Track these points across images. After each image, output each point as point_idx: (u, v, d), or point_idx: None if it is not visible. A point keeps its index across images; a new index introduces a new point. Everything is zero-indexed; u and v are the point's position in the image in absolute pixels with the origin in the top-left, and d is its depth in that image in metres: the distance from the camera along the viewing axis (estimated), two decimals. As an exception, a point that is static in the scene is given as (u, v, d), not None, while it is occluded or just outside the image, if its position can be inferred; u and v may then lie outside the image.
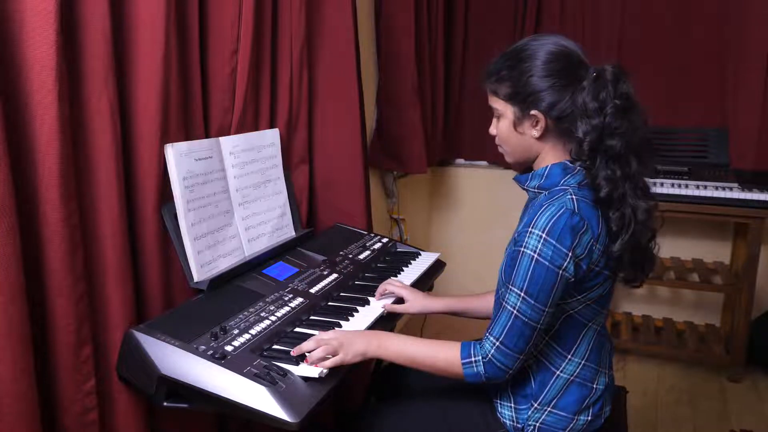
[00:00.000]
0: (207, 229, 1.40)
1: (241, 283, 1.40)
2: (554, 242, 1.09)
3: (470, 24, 3.10)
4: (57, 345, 1.04)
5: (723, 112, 2.76)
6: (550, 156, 1.22)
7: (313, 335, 1.21)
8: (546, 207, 1.13)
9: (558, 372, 1.23)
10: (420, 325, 2.33)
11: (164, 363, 1.09)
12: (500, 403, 1.28)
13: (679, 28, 2.79)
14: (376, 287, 1.49)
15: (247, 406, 1.04)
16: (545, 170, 1.21)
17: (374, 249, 1.77)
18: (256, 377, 1.06)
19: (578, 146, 1.15)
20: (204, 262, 1.38)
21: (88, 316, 1.08)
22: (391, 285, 1.48)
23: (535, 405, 1.24)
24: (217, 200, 1.45)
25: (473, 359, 1.16)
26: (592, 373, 1.24)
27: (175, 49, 1.26)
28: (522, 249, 1.12)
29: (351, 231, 1.85)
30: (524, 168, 1.29)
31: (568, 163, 1.19)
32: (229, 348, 1.13)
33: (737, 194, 2.52)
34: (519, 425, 1.25)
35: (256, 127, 1.62)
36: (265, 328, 1.23)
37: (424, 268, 1.70)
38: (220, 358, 1.09)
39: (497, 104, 1.24)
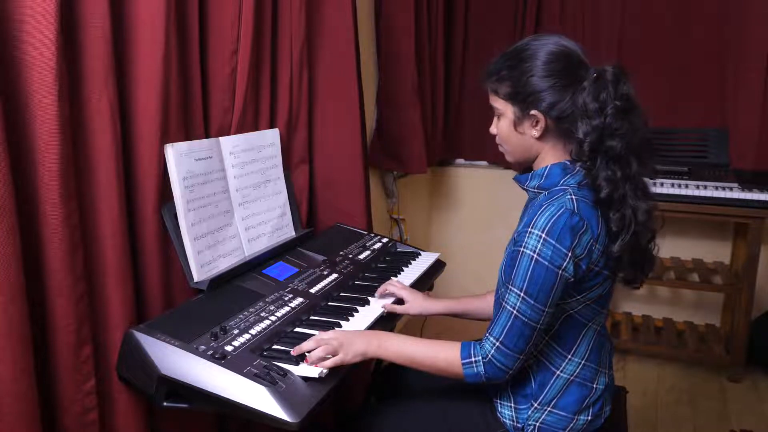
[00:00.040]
0: (207, 229, 1.40)
1: (241, 283, 1.40)
2: (554, 242, 1.09)
3: (470, 24, 3.10)
4: (57, 345, 1.04)
5: (723, 112, 2.75)
6: (550, 156, 1.22)
7: (313, 335, 1.21)
8: (546, 207, 1.13)
9: (558, 372, 1.23)
10: (420, 326, 2.33)
11: (164, 363, 1.09)
12: (500, 403, 1.28)
13: (679, 28, 2.79)
14: (376, 287, 1.49)
15: (247, 406, 1.04)
16: (545, 170, 1.21)
17: (374, 249, 1.77)
18: (256, 377, 1.06)
19: (578, 147, 1.15)
20: (204, 262, 1.38)
21: (88, 316, 1.08)
22: (391, 286, 1.48)
23: (535, 405, 1.24)
24: (217, 200, 1.45)
25: (473, 359, 1.16)
26: (592, 373, 1.24)
27: (175, 49, 1.26)
28: (522, 249, 1.12)
29: (351, 231, 1.85)
30: (524, 168, 1.29)
31: (568, 163, 1.20)
32: (229, 348, 1.13)
33: (737, 194, 2.52)
34: (519, 425, 1.25)
35: (256, 127, 1.62)
36: (265, 328, 1.23)
37: (424, 268, 1.70)
38: (220, 358, 1.09)
39: (498, 103, 1.24)
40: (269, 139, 1.64)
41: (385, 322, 1.42)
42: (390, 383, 1.55)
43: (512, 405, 1.26)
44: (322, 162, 1.84)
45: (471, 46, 3.12)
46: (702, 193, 2.54)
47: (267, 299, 1.35)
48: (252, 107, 1.58)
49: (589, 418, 1.24)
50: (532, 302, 1.11)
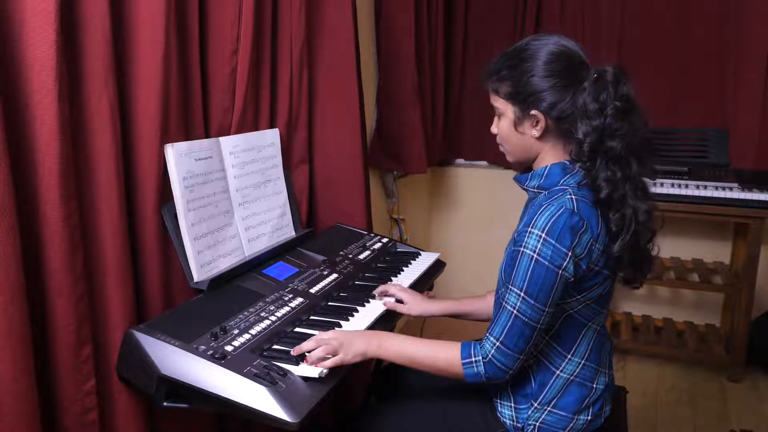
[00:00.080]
0: (207, 229, 1.40)
1: (241, 283, 1.40)
2: (554, 242, 1.09)
3: (470, 24, 3.10)
4: (57, 345, 1.04)
5: (723, 112, 2.75)
6: (550, 156, 1.22)
7: (313, 335, 1.21)
8: (545, 207, 1.13)
9: (558, 372, 1.23)
10: (420, 326, 2.33)
11: (164, 363, 1.09)
12: (500, 403, 1.28)
13: (679, 28, 2.79)
14: (376, 287, 1.49)
15: (247, 406, 1.04)
16: (545, 170, 1.21)
17: (374, 249, 1.77)
18: (256, 377, 1.06)
19: (578, 147, 1.15)
20: (204, 262, 1.38)
21: (88, 316, 1.08)
22: (391, 287, 1.48)
23: (535, 405, 1.24)
24: (217, 200, 1.45)
25: (473, 359, 1.16)
26: (592, 373, 1.24)
27: (175, 49, 1.26)
28: (521, 249, 1.12)
29: (351, 231, 1.85)
30: (525, 167, 1.29)
31: (568, 163, 1.20)
32: (229, 348, 1.13)
33: (737, 194, 2.52)
34: (519, 425, 1.25)
35: (256, 127, 1.62)
36: (265, 328, 1.23)
37: (424, 268, 1.70)
38: (220, 358, 1.09)
39: (498, 103, 1.24)
40: (269, 139, 1.64)
41: (385, 322, 1.42)
42: (390, 383, 1.55)
43: (512, 405, 1.26)
44: (322, 162, 1.84)
45: (471, 46, 3.12)
46: (702, 193, 2.54)
47: (267, 299, 1.35)
48: (252, 107, 1.58)
49: (589, 417, 1.24)
50: (533, 302, 1.11)
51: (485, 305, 1.48)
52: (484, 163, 3.27)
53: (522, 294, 1.12)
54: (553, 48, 1.17)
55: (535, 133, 1.20)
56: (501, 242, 1.33)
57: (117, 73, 1.14)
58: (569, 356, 1.22)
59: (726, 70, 2.72)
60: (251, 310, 1.29)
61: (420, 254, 1.81)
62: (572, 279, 1.12)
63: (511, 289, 1.13)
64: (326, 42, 1.80)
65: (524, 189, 1.27)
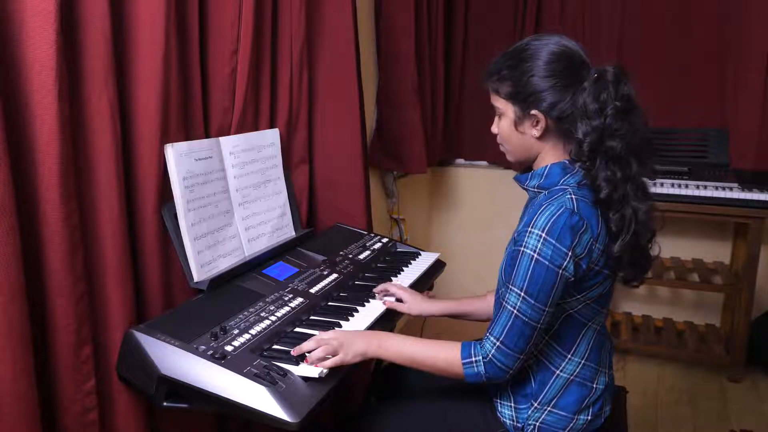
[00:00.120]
0: (207, 229, 1.40)
1: (241, 283, 1.40)
2: (554, 242, 1.09)
3: (470, 24, 3.10)
4: (57, 345, 1.04)
5: (723, 112, 2.75)
6: (550, 156, 1.22)
7: (313, 335, 1.21)
8: (545, 206, 1.13)
9: (558, 371, 1.23)
10: (420, 326, 2.33)
11: (164, 363, 1.09)
12: (500, 403, 1.28)
13: (679, 28, 2.79)
14: (376, 287, 1.49)
15: (247, 406, 1.04)
16: (545, 170, 1.21)
17: (374, 249, 1.77)
18: (256, 377, 1.06)
19: (578, 147, 1.15)
20: (204, 262, 1.38)
21: (88, 316, 1.08)
22: (391, 287, 1.48)
23: (535, 404, 1.24)
24: (217, 200, 1.45)
25: (474, 359, 1.16)
26: (592, 373, 1.24)
27: (175, 49, 1.26)
28: (522, 249, 1.12)
29: (351, 231, 1.85)
30: (525, 167, 1.29)
31: (568, 162, 1.20)
32: (229, 348, 1.13)
33: (737, 194, 2.52)
34: (519, 425, 1.25)
35: (256, 127, 1.62)
36: (265, 328, 1.23)
37: (424, 268, 1.70)
38: (220, 358, 1.09)
39: (498, 103, 1.24)
40: (269, 139, 1.64)
41: (385, 322, 1.42)
42: (390, 383, 1.55)
43: (512, 405, 1.26)
44: (322, 162, 1.84)
45: (471, 46, 3.12)
46: (702, 193, 2.54)
47: (267, 299, 1.35)
48: (252, 107, 1.58)
49: (589, 417, 1.24)
50: (533, 302, 1.11)
51: (485, 305, 1.48)
52: (484, 163, 3.27)
53: (522, 294, 1.12)
54: (554, 48, 1.17)
55: (536, 132, 1.20)
56: (501, 242, 1.33)
57: (117, 73, 1.14)
58: (569, 356, 1.22)
59: (726, 70, 2.72)
60: (251, 310, 1.29)
61: (420, 254, 1.81)
62: (572, 279, 1.12)
63: (511, 289, 1.13)
64: (326, 42, 1.80)
65: (524, 189, 1.27)
